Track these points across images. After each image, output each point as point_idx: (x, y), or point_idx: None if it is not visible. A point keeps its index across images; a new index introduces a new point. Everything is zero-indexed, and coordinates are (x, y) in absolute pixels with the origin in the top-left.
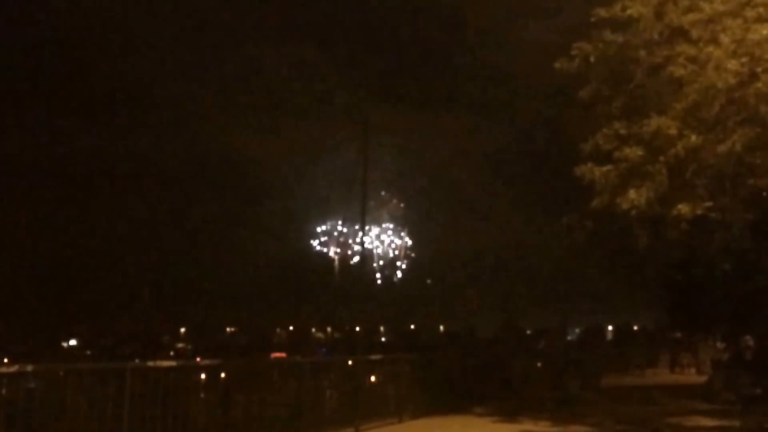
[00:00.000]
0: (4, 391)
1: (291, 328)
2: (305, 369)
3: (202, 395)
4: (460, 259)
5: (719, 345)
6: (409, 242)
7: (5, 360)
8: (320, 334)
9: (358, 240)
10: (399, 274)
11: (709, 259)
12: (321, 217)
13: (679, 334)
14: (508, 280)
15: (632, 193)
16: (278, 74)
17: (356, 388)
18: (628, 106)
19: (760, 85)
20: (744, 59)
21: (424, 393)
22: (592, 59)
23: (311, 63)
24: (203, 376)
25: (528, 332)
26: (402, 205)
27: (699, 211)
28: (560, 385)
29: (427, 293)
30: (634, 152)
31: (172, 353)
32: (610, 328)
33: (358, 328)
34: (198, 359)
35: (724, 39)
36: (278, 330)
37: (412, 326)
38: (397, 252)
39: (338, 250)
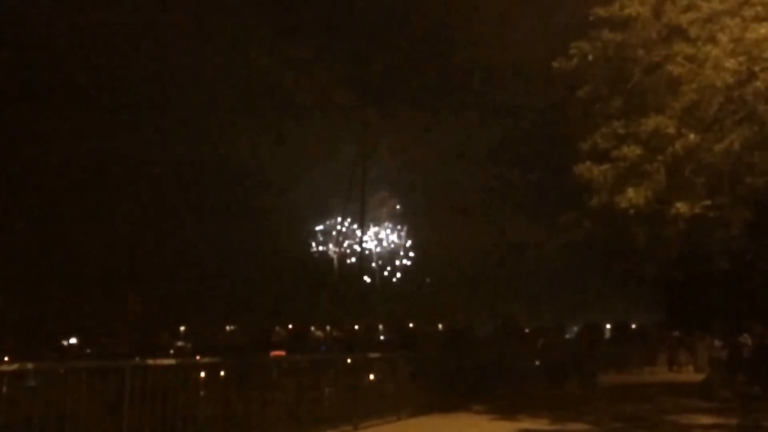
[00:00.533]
0: (4, 390)
1: (290, 326)
2: (304, 367)
3: (202, 393)
4: (459, 258)
5: (717, 343)
6: (408, 241)
7: (5, 359)
8: (319, 333)
9: (357, 239)
10: (398, 273)
11: (707, 258)
12: (320, 216)
13: (676, 333)
14: (507, 278)
15: (630, 192)
16: (277, 74)
17: (355, 386)
18: (626, 105)
19: (758, 83)
20: (742, 58)
21: (423, 391)
22: (590, 58)
23: (310, 63)
24: (203, 374)
25: (526, 330)
26: (399, 206)
27: (697, 210)
28: (558, 383)
29: (425, 291)
30: (632, 151)
31: (171, 351)
32: (608, 326)
33: (357, 327)
34: (197, 357)
35: (722, 38)
36: (277, 328)
37: (411, 324)
38: (396, 250)
39: (337, 249)
